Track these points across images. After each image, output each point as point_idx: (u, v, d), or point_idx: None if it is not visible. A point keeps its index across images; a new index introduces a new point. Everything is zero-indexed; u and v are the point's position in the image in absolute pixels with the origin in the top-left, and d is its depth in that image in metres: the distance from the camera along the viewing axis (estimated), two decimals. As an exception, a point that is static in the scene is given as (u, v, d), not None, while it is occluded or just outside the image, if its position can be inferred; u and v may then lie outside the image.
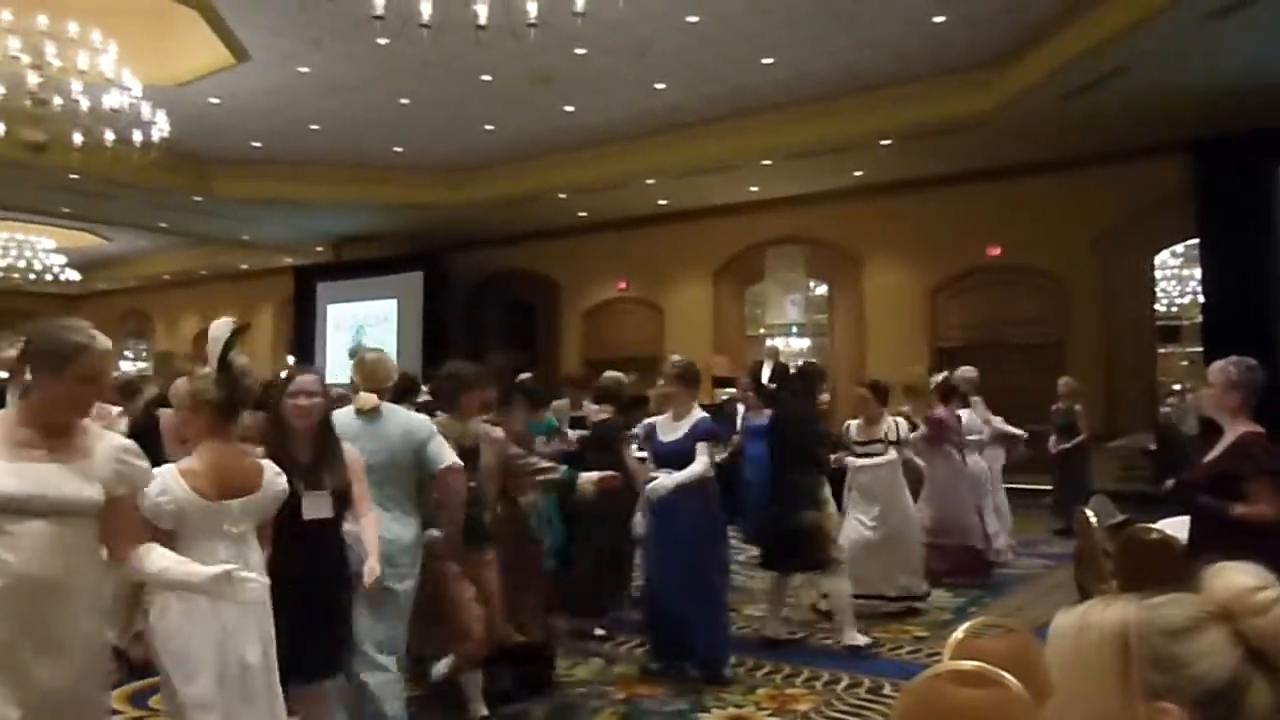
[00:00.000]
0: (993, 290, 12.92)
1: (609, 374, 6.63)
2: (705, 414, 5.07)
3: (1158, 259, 12.60)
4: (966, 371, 8.36)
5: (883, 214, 13.59)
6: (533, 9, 7.36)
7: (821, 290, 14.91)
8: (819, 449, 5.90)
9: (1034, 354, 11.61)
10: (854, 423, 6.59)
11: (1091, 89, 9.51)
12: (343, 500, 3.42)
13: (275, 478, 3.01)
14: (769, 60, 10.27)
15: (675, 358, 5.56)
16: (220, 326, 3.12)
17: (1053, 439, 9.36)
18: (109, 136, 9.55)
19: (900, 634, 6.02)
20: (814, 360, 8.45)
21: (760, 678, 5.11)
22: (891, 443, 6.38)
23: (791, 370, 6.61)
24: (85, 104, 8.97)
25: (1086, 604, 1.12)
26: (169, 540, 2.73)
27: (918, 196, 13.22)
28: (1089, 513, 5.64)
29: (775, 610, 5.79)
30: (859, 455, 6.41)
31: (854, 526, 6.26)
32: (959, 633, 2.52)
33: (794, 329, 15.08)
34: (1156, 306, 12.61)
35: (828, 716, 4.54)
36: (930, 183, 12.95)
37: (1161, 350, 12.64)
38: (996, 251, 12.87)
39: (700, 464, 4.89)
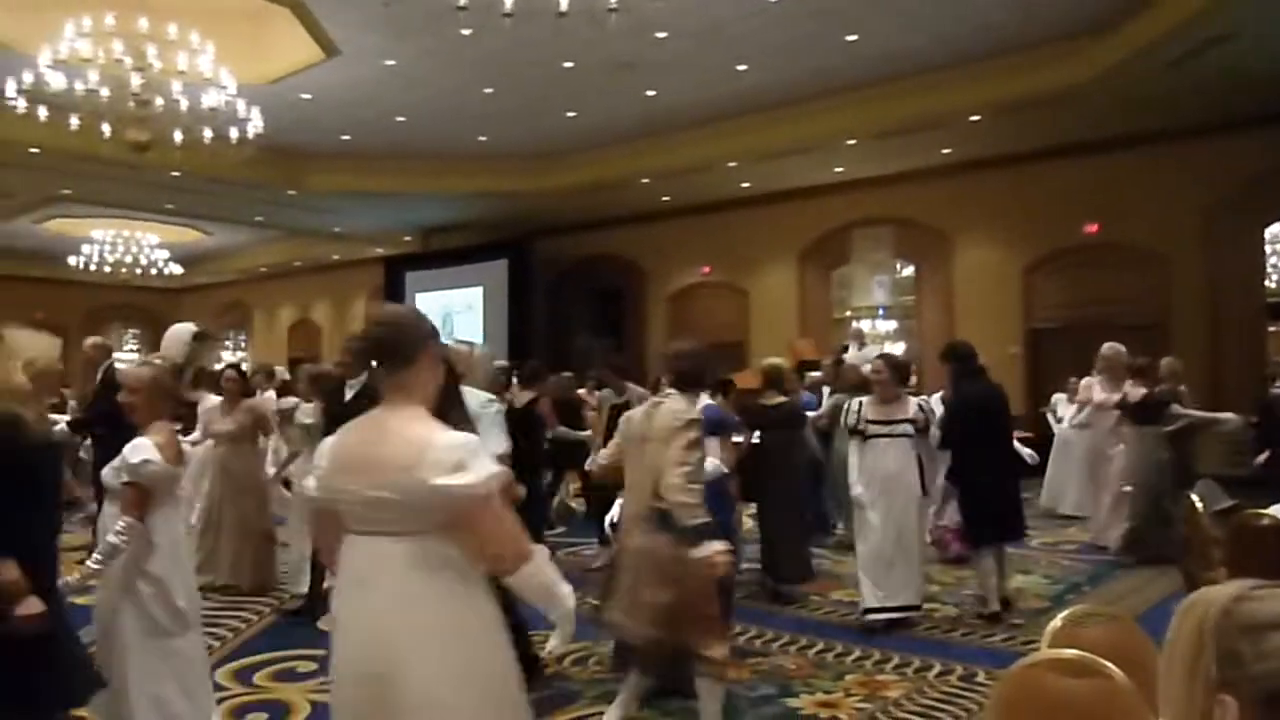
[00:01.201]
0: (1090, 269, 12.48)
1: (770, 360, 6.86)
2: (711, 403, 4.69)
3: (1268, 233, 12.00)
4: (1107, 350, 8.07)
5: (973, 192, 13.25)
6: (613, -6, 7.37)
7: (909, 271, 14.62)
8: (1009, 423, 6.34)
9: (1135, 334, 11.11)
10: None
11: (1197, 56, 9.07)
12: None
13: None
14: (853, 37, 10.07)
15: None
16: (179, 330, 3.59)
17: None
18: (207, 134, 9.87)
19: (994, 621, 5.88)
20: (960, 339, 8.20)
21: (850, 663, 5.06)
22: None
23: (954, 350, 6.36)
24: (185, 104, 9.28)
25: (1213, 587, 1.08)
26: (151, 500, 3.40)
27: (1010, 173, 12.84)
28: (1195, 498, 5.42)
29: (998, 583, 5.98)
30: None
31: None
32: (1058, 620, 2.44)
33: (881, 311, 14.83)
34: (1266, 283, 12.03)
35: (919, 704, 4.46)
36: (1023, 158, 12.56)
37: (1272, 329, 12.06)
38: (1094, 228, 12.42)
39: (711, 463, 4.45)
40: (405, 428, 2.29)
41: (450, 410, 3.12)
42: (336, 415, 4.69)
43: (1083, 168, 12.24)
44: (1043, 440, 10.35)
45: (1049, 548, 8.26)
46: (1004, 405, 6.25)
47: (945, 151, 12.76)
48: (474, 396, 4.18)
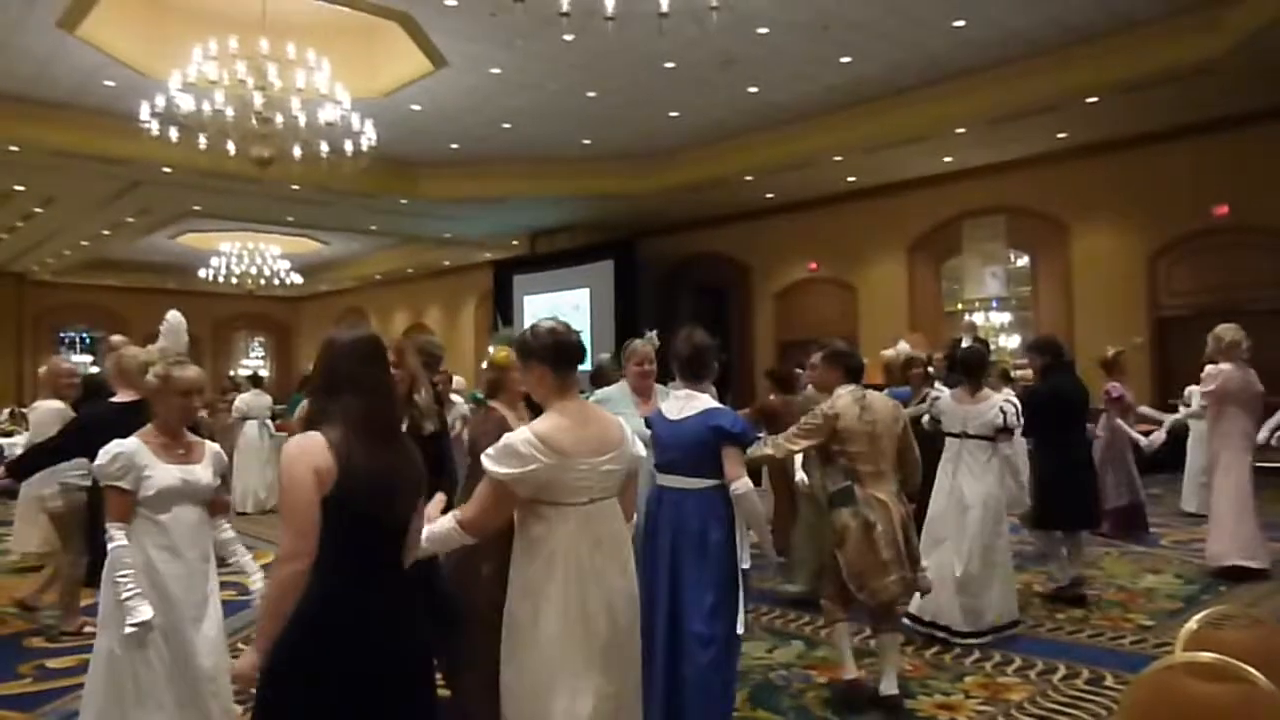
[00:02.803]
0: (1223, 252, 11.84)
1: (892, 349, 7.01)
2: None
3: None
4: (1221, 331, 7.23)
5: (1091, 176, 12.75)
6: (714, -8, 7.35)
7: (1023, 261, 14.16)
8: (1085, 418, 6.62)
9: (1271, 320, 10.56)
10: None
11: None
12: None
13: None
14: (960, 23, 9.81)
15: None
16: (177, 318, 3.83)
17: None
18: (324, 148, 10.23)
19: (1122, 622, 5.66)
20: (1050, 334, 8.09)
21: (969, 665, 4.93)
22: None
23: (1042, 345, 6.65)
24: (303, 119, 9.64)
25: None
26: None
27: (1130, 155, 12.30)
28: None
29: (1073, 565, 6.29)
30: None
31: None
32: (1193, 623, 2.34)
33: (994, 303, 14.40)
34: None
35: (1042, 708, 4.31)
36: (1145, 139, 12.02)
37: None
38: (1224, 210, 11.79)
39: None
40: (600, 414, 2.96)
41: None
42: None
43: (1209, 147, 11.64)
44: (1176, 436, 9.86)
45: (1180, 546, 7.90)
46: (1085, 400, 6.48)
47: (1060, 136, 12.31)
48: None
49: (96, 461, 3.27)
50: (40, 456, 4.72)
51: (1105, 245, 12.92)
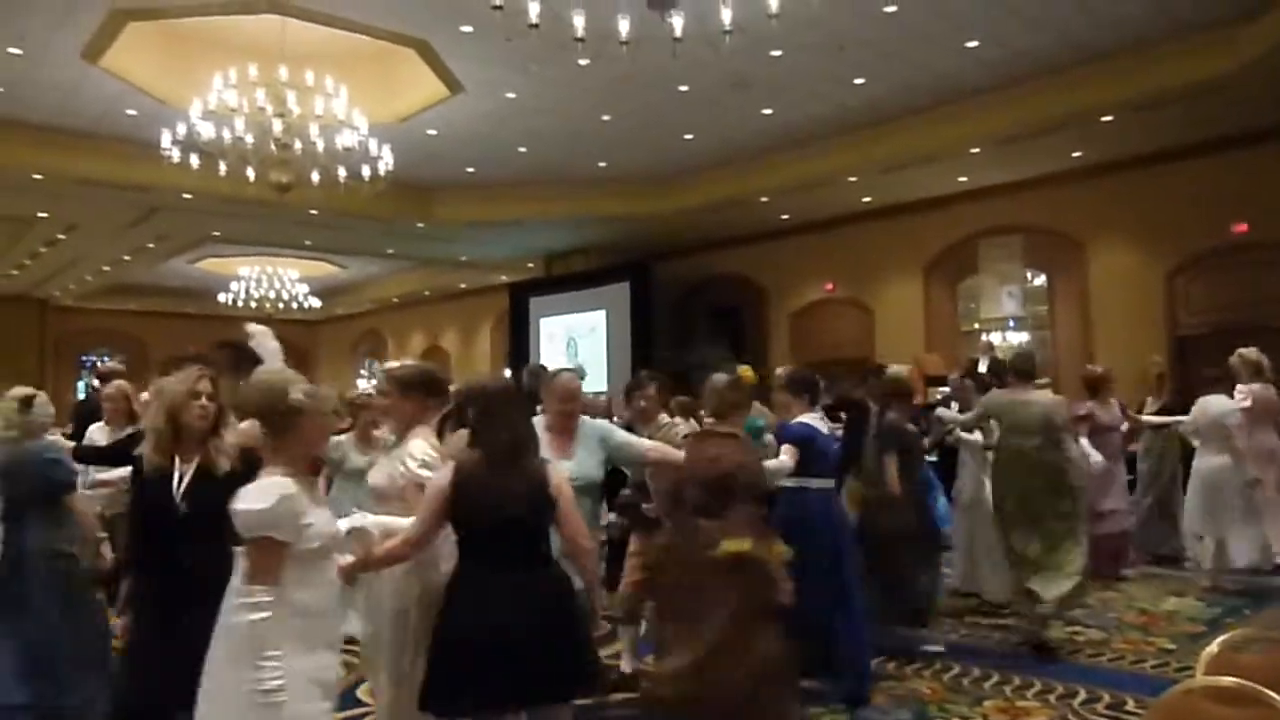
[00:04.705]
0: (1243, 270, 11.72)
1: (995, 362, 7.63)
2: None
3: None
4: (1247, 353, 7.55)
5: (1107, 195, 12.70)
6: (727, 16, 7.40)
7: (1040, 280, 14.10)
8: None
9: (1293, 338, 10.48)
10: None
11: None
12: None
13: None
14: (973, 43, 9.83)
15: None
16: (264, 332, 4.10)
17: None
18: (342, 173, 10.33)
19: (1144, 646, 5.61)
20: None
21: (988, 689, 4.89)
22: None
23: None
24: (321, 145, 9.74)
25: None
26: None
27: (1147, 173, 12.24)
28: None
29: None
30: None
31: None
32: (1214, 646, 2.32)
33: (1011, 322, 14.33)
34: None
35: (1065, 732, 4.29)
36: (1161, 157, 11.95)
37: None
38: (1243, 228, 11.71)
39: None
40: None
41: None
42: None
43: (1227, 164, 11.56)
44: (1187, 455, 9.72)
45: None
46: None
47: (1076, 155, 12.28)
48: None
49: (248, 505, 2.61)
50: (100, 453, 5.35)
51: (1122, 264, 12.85)
